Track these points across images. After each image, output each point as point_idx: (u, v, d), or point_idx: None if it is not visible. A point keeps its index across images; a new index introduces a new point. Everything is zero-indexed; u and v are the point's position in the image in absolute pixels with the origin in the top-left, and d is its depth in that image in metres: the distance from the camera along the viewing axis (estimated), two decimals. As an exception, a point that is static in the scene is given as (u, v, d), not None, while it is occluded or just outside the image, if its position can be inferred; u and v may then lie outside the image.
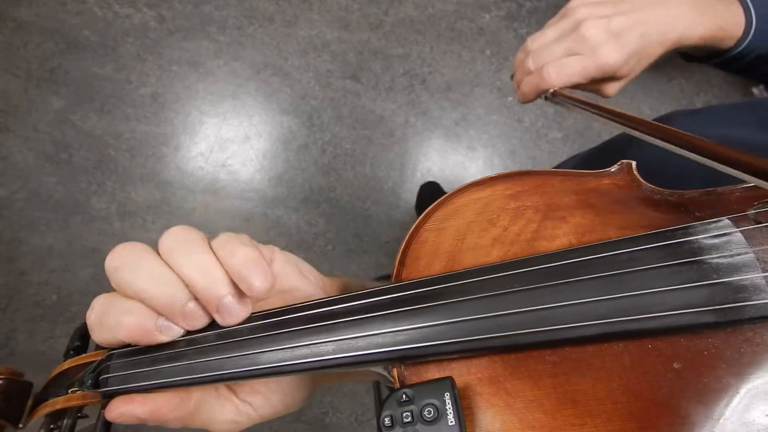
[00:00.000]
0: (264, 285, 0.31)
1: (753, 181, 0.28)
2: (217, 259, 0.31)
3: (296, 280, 0.38)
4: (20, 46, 1.96)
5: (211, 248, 0.32)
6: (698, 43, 0.55)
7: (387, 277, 0.83)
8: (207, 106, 2.04)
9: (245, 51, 2.08)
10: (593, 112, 0.49)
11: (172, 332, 0.32)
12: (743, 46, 0.56)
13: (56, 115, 1.95)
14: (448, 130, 2.13)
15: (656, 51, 0.55)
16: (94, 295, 0.33)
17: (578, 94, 0.54)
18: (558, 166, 0.85)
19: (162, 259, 0.31)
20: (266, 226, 1.99)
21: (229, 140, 2.03)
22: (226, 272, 0.31)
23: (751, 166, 0.28)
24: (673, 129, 0.36)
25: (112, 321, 0.31)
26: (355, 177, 2.06)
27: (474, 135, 2.14)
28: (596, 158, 0.68)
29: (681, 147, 0.34)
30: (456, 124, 2.14)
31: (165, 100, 2.02)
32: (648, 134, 0.39)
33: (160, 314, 0.31)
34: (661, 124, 0.38)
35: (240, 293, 0.32)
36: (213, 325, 0.33)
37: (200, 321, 0.32)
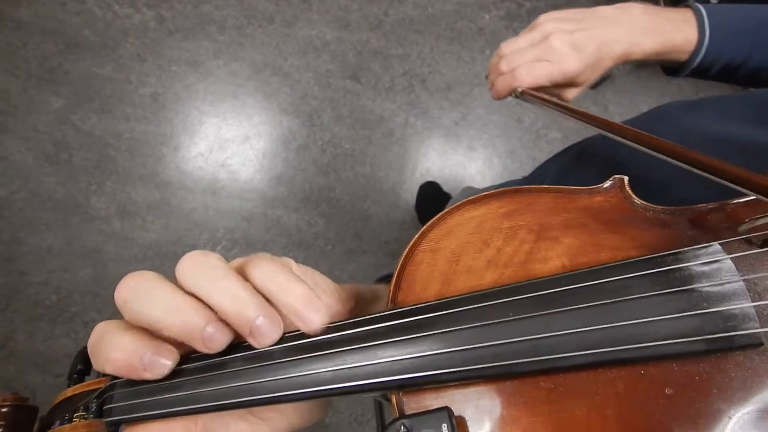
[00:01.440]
0: (322, 320, 0.32)
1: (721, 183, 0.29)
2: (241, 279, 0.31)
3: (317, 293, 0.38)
4: (20, 46, 1.96)
5: (232, 270, 0.32)
6: (646, 57, 0.65)
7: (387, 278, 0.83)
8: (207, 106, 2.04)
9: (245, 51, 2.08)
10: (556, 109, 0.57)
11: (157, 370, 0.31)
12: (699, 58, 0.64)
13: (56, 115, 1.95)
14: (447, 130, 2.13)
15: (607, 63, 0.65)
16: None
17: (542, 94, 0.64)
18: (542, 166, 0.85)
19: (172, 284, 0.31)
20: (266, 226, 1.99)
21: (228, 140, 2.03)
22: (254, 292, 0.31)
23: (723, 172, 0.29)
24: (625, 126, 0.40)
25: (101, 355, 0.31)
26: (354, 177, 2.06)
27: (474, 135, 2.14)
28: (580, 165, 0.70)
29: (637, 143, 0.38)
30: (456, 124, 2.14)
31: (165, 100, 2.02)
32: (605, 130, 0.44)
33: (181, 342, 0.31)
34: (613, 122, 0.43)
35: (270, 313, 0.32)
36: (209, 355, 0.33)
37: (221, 342, 0.31)
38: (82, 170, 1.94)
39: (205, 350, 0.32)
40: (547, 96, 0.62)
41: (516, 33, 2.21)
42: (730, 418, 0.26)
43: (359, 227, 2.04)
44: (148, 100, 2.01)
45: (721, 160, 0.31)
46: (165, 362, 0.32)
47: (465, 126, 2.14)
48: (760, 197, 0.28)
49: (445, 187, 2.05)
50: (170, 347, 0.32)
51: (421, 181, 2.07)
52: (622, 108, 2.24)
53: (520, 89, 0.65)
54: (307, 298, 0.32)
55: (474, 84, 2.17)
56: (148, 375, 0.31)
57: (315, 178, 2.04)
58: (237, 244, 1.97)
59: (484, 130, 2.15)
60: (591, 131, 0.49)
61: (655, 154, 0.37)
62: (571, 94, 0.69)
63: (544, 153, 2.16)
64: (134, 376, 0.31)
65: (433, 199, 2.01)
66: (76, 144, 1.95)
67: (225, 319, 0.31)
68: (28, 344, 1.84)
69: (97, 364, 0.32)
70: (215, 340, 0.31)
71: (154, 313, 0.30)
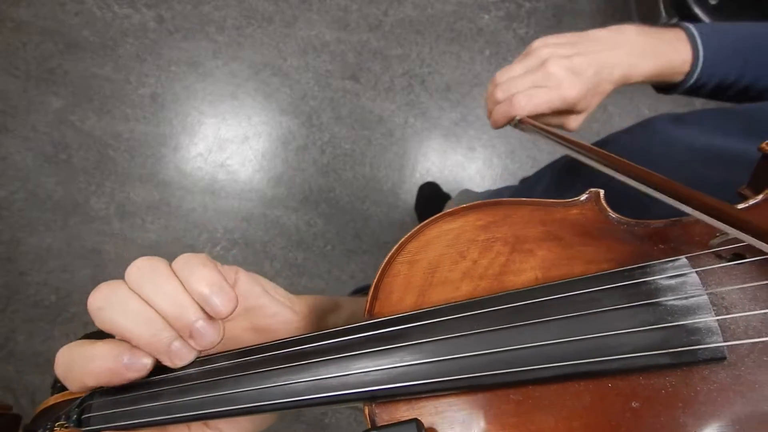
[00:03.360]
0: (228, 307, 0.32)
1: (713, 224, 0.29)
2: (182, 284, 0.32)
3: (262, 298, 0.39)
4: (19, 47, 1.97)
5: (174, 274, 0.32)
6: (645, 79, 0.65)
7: (363, 290, 0.84)
8: (206, 107, 2.04)
9: (244, 51, 2.08)
10: (553, 139, 0.55)
11: (140, 367, 0.32)
12: (694, 78, 0.64)
13: (55, 115, 1.96)
14: (447, 131, 2.13)
15: (607, 87, 0.64)
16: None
17: (541, 123, 0.62)
18: (537, 174, 0.87)
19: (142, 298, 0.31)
20: (265, 227, 1.99)
21: (228, 140, 2.04)
22: (192, 297, 0.32)
23: (706, 207, 0.29)
24: (625, 162, 0.38)
25: (78, 371, 0.32)
26: (354, 177, 2.06)
27: (473, 135, 2.14)
28: (570, 177, 0.70)
29: (624, 174, 0.37)
30: (455, 124, 2.14)
31: (164, 100, 2.03)
32: (598, 162, 0.42)
33: (146, 353, 0.32)
34: (610, 155, 0.41)
35: (209, 316, 0.32)
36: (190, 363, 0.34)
37: (186, 358, 0.32)
38: (82, 170, 1.94)
39: (170, 364, 0.32)
40: (545, 126, 0.60)
41: (515, 33, 2.22)
42: None
43: (359, 228, 2.04)
44: (148, 100, 2.02)
45: (705, 196, 0.30)
46: (145, 360, 0.32)
47: (464, 126, 2.14)
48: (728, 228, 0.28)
49: (445, 188, 2.05)
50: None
51: (421, 182, 2.07)
52: (620, 108, 2.23)
53: (518, 117, 0.63)
54: (215, 285, 0.32)
55: (473, 84, 2.17)
56: (132, 375, 0.32)
57: (314, 178, 2.04)
58: (236, 245, 1.97)
59: (483, 130, 2.14)
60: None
61: (653, 191, 0.36)
62: (574, 122, 0.67)
63: (543, 153, 2.16)
64: (118, 379, 0.32)
65: (432, 200, 2.01)
66: (76, 144, 1.95)
67: (169, 323, 0.31)
68: (27, 344, 1.85)
69: (74, 385, 0.33)
70: (181, 355, 0.32)
71: (126, 324, 0.31)
